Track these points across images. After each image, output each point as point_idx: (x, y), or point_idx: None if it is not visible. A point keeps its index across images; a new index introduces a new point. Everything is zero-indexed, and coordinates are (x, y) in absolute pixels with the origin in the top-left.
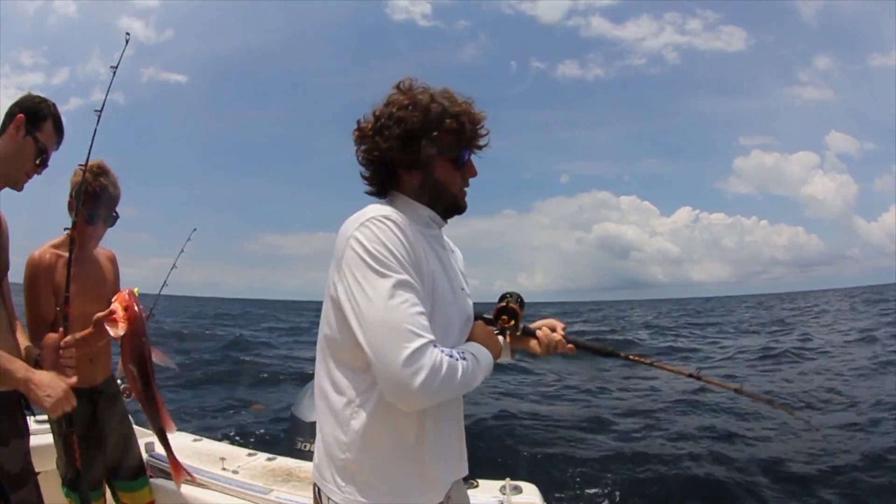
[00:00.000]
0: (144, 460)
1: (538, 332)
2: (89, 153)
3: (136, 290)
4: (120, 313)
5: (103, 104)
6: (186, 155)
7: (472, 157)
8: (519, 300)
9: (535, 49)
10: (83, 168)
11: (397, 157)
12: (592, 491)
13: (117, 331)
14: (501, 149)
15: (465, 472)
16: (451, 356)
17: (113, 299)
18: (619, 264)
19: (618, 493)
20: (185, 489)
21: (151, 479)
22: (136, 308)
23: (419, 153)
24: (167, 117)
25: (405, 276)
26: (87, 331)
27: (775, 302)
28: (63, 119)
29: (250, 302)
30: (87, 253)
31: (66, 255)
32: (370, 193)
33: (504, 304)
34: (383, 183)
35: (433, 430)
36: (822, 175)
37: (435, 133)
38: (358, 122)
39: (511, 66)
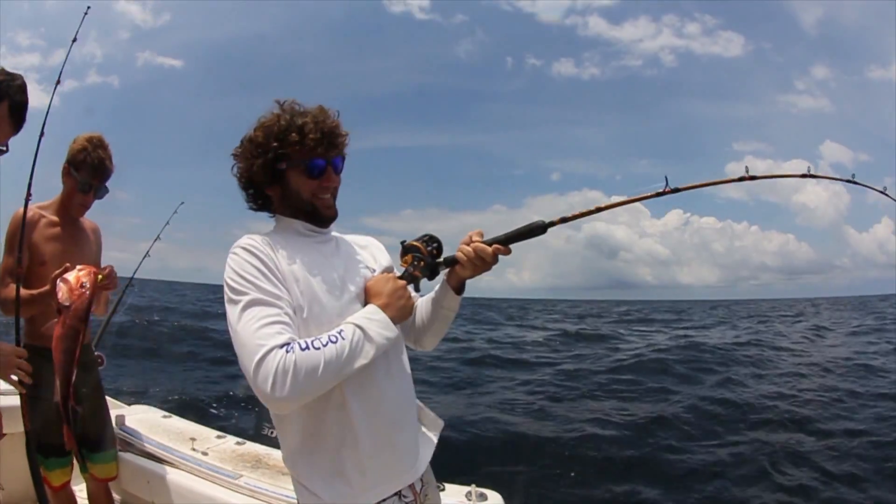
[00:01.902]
0: (115, 433)
1: (457, 254)
2: (45, 119)
3: (102, 274)
4: (73, 285)
5: (60, 73)
6: (179, 140)
7: (335, 164)
8: (427, 239)
9: (532, 46)
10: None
11: (256, 178)
12: (559, 502)
13: (63, 296)
14: (494, 144)
15: (415, 475)
16: (306, 348)
17: (80, 267)
18: (607, 264)
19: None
20: (154, 466)
21: (119, 453)
22: (86, 291)
23: (273, 169)
24: (161, 102)
25: (255, 294)
26: (44, 287)
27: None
28: (30, 101)
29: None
30: (72, 219)
31: (51, 216)
32: (250, 209)
33: (409, 242)
34: (256, 201)
35: (359, 435)
36: (814, 184)
37: (276, 145)
38: (233, 155)
39: (507, 62)
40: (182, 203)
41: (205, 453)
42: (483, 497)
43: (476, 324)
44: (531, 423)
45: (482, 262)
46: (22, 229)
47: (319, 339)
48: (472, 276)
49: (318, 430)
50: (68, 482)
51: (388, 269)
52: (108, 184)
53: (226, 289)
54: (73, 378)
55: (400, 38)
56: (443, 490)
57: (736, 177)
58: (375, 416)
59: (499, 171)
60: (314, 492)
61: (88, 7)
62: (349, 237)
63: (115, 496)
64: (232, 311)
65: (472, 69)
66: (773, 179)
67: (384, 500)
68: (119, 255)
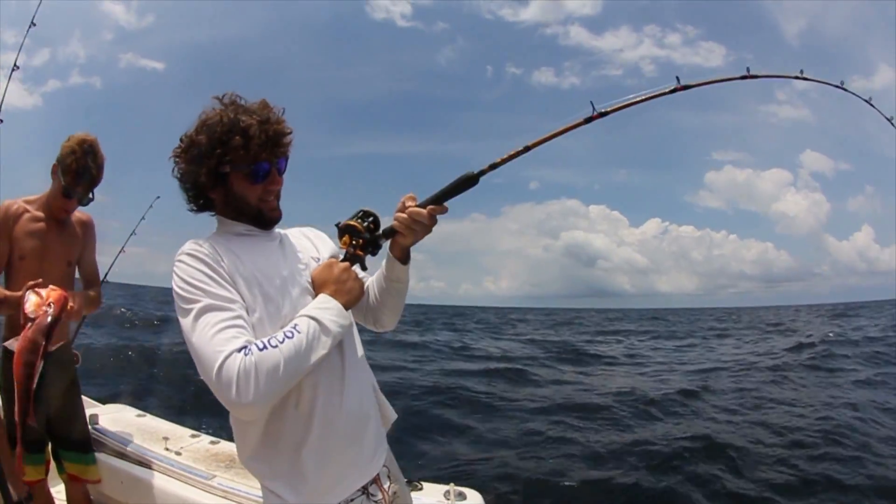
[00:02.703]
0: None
1: (394, 223)
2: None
3: (71, 304)
4: (42, 300)
5: (15, 60)
6: (160, 143)
7: (280, 166)
8: (361, 215)
9: (512, 55)
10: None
11: (198, 180)
12: (538, 500)
13: (30, 308)
14: (473, 152)
15: (378, 465)
16: (264, 348)
17: (52, 288)
18: (585, 272)
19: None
20: (127, 467)
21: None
22: (50, 311)
23: (215, 172)
24: (143, 104)
25: (206, 301)
26: (17, 293)
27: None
28: None
29: None
30: (55, 217)
31: (35, 212)
32: (190, 210)
33: (344, 223)
34: (198, 202)
35: (321, 431)
36: (794, 192)
37: (220, 151)
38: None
39: (487, 70)
40: (158, 198)
41: (178, 453)
42: (462, 496)
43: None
44: (513, 424)
45: (421, 227)
46: None
47: (276, 337)
48: (413, 243)
49: (277, 430)
50: (42, 480)
51: (335, 257)
52: (95, 191)
53: (176, 299)
54: (32, 392)
55: (381, 44)
56: (420, 489)
57: (668, 88)
58: (338, 409)
59: None
60: (277, 493)
61: None
62: (292, 230)
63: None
64: (185, 321)
65: (453, 77)
66: (753, 185)
67: (352, 499)
68: (102, 259)
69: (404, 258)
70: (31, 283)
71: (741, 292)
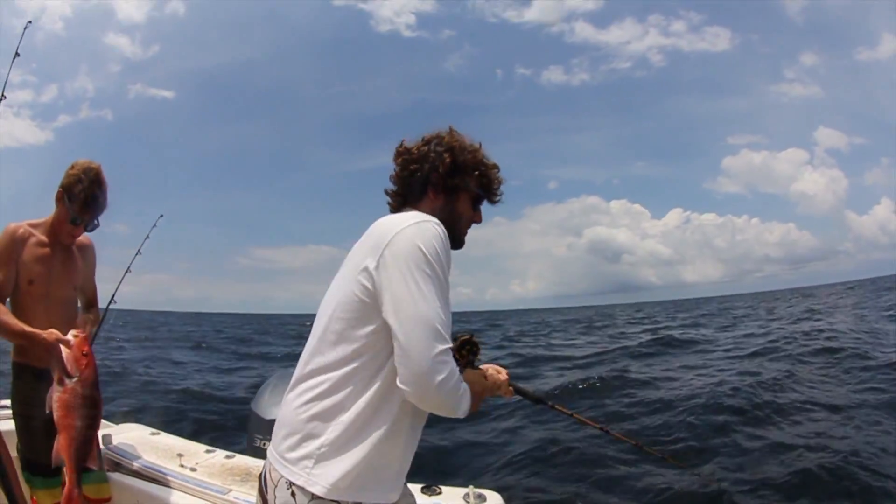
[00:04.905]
0: (101, 452)
1: (487, 373)
2: None
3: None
4: (77, 353)
5: (3, 88)
6: (175, 170)
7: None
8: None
9: (520, 56)
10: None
11: (435, 178)
12: (559, 501)
13: (71, 367)
14: (491, 155)
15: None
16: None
17: (73, 335)
18: (611, 268)
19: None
20: (142, 485)
21: (108, 473)
22: (91, 357)
23: (456, 182)
24: (155, 133)
25: (445, 281)
26: (42, 333)
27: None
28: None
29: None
30: (60, 241)
31: (40, 236)
32: (389, 205)
33: (468, 336)
34: (408, 199)
35: (414, 429)
36: (811, 171)
37: (476, 172)
38: (402, 141)
39: (497, 73)
40: (161, 216)
41: (193, 469)
42: (482, 498)
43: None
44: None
45: (495, 392)
46: None
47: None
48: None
49: (414, 429)
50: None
51: None
52: (100, 217)
53: (419, 253)
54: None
55: (389, 57)
56: (439, 493)
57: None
58: (420, 426)
59: None
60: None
61: (29, 21)
62: None
63: None
64: (426, 282)
65: (463, 83)
66: (770, 167)
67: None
68: (123, 288)
69: None
70: (55, 336)
71: (767, 276)
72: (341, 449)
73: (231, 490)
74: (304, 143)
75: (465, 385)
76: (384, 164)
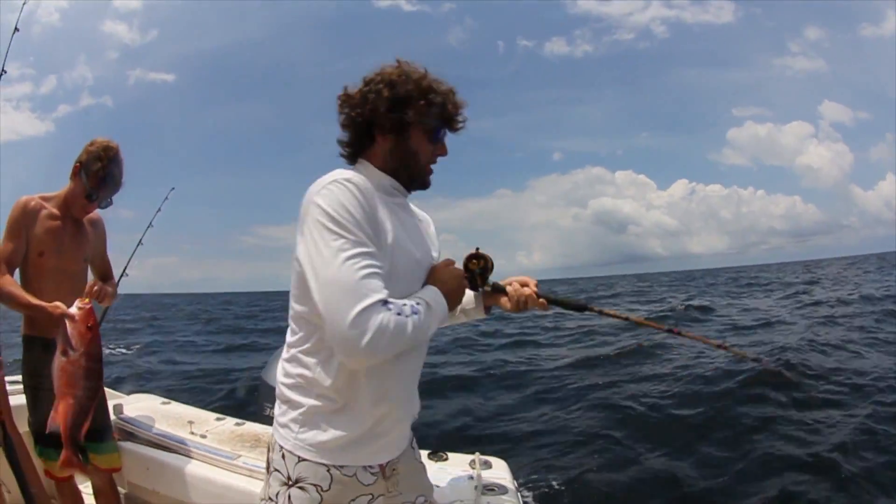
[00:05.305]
0: (112, 422)
1: (508, 288)
2: None
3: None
4: (81, 328)
5: (3, 62)
6: (178, 153)
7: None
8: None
9: (522, 28)
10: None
11: (379, 119)
12: (562, 468)
13: (76, 342)
14: (493, 129)
15: (400, 449)
16: (399, 313)
17: (79, 307)
18: (616, 239)
19: (589, 473)
20: (152, 453)
21: (119, 443)
22: (95, 331)
23: (401, 118)
24: (157, 117)
25: (360, 237)
26: (48, 305)
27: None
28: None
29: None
30: (71, 215)
31: (52, 209)
32: (343, 158)
33: (475, 250)
34: (358, 147)
35: (393, 390)
36: (816, 144)
37: (421, 102)
38: (345, 87)
39: (498, 46)
40: (173, 189)
41: (203, 436)
42: (487, 465)
43: None
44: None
45: (524, 307)
46: None
47: (405, 307)
48: (506, 311)
49: (381, 386)
50: (72, 477)
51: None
52: (114, 196)
53: (323, 217)
54: (92, 412)
55: (390, 31)
56: (446, 460)
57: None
58: (412, 386)
59: (500, 156)
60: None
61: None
62: (425, 215)
63: (120, 489)
64: (332, 243)
65: (466, 56)
66: (775, 140)
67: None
68: (130, 272)
69: (489, 309)
70: (61, 310)
71: (772, 248)
72: (323, 415)
73: (240, 455)
74: (306, 122)
75: (414, 320)
76: None
